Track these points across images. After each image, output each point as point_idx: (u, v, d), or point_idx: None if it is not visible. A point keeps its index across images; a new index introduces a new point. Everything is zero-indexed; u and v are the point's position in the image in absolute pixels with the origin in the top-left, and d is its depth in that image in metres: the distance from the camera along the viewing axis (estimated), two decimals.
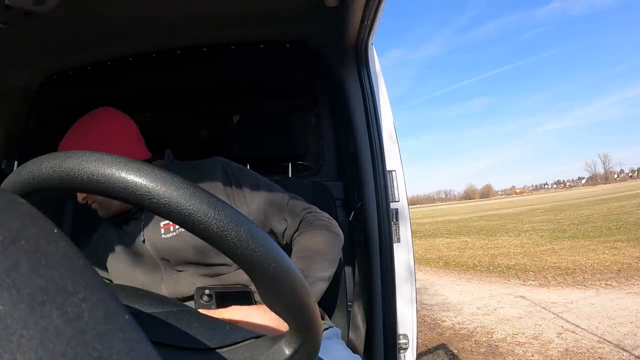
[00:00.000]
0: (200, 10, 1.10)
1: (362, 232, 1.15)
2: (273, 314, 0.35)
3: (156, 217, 0.87)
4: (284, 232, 0.93)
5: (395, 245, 1.20)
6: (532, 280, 5.06)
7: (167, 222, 0.87)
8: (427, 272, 6.50)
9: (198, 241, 0.84)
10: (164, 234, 0.88)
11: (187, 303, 0.81)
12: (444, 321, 3.80)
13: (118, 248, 0.93)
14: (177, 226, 0.86)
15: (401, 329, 1.10)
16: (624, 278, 4.62)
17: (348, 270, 1.22)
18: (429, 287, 5.25)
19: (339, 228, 0.94)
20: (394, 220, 1.20)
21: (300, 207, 0.95)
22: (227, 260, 0.88)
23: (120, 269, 0.93)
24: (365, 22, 1.08)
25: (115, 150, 0.85)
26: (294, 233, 0.93)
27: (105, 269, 0.95)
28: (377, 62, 1.31)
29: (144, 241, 0.89)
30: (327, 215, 0.96)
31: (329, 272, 0.83)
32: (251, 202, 0.91)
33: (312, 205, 0.97)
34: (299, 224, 0.93)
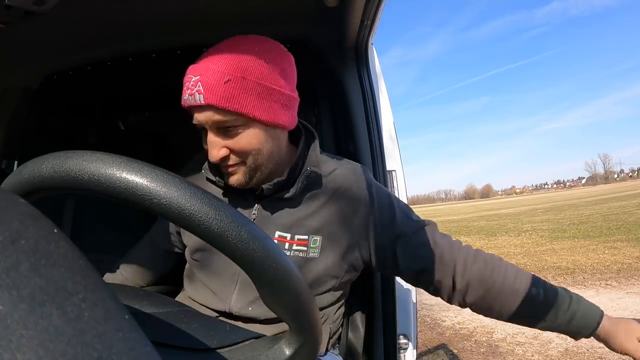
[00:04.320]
0: (200, 10, 1.10)
1: None
2: None
3: (274, 223, 0.76)
4: (435, 273, 0.76)
5: None
6: None
7: (284, 235, 0.75)
8: None
9: (305, 277, 0.74)
10: None
11: (246, 325, 0.73)
12: (444, 321, 3.80)
13: None
14: (294, 247, 0.75)
15: (401, 329, 1.09)
16: (624, 278, 4.62)
17: None
18: None
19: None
20: None
21: (457, 244, 0.79)
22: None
23: (199, 253, 0.79)
24: (365, 22, 1.08)
25: (285, 100, 0.71)
26: (454, 276, 0.76)
27: (183, 242, 0.84)
28: (377, 62, 1.31)
29: None
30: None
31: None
32: (393, 232, 0.76)
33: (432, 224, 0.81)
34: (460, 266, 0.76)
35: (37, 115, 1.41)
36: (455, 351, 3.07)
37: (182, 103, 0.69)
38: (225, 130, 0.68)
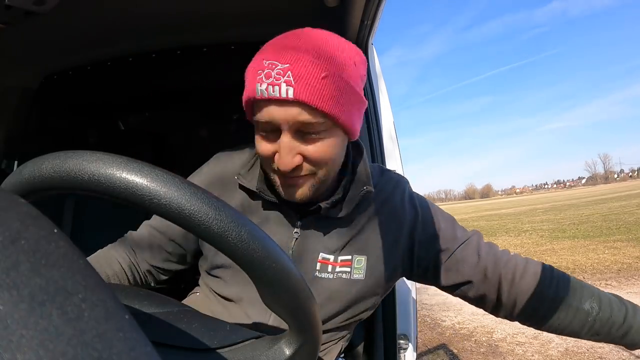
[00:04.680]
0: (200, 10, 1.10)
1: None
2: None
3: (320, 243, 0.69)
4: (480, 285, 0.71)
5: None
6: None
7: (328, 257, 0.69)
8: None
9: (348, 298, 0.69)
10: (319, 271, 0.68)
11: None
12: (444, 321, 3.80)
13: None
14: (337, 269, 0.69)
15: (401, 329, 1.09)
16: (624, 278, 4.62)
17: None
18: (429, 287, 5.24)
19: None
20: None
21: (504, 254, 0.74)
22: (347, 324, 0.74)
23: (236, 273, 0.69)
24: (365, 22, 1.08)
25: (361, 105, 0.63)
26: (499, 288, 0.71)
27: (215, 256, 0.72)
28: (377, 62, 1.31)
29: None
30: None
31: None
32: (438, 248, 0.72)
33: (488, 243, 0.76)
34: (507, 277, 0.71)
35: (37, 115, 1.41)
36: (455, 351, 3.07)
37: (251, 94, 0.57)
38: (304, 135, 0.58)
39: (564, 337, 3.10)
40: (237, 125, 1.66)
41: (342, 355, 0.86)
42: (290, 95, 0.53)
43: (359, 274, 0.69)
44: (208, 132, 1.75)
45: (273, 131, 0.59)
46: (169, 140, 1.82)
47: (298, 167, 0.59)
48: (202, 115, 1.79)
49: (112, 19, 1.09)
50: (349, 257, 0.69)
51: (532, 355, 2.87)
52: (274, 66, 0.54)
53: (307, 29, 0.61)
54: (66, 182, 0.28)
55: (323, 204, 0.66)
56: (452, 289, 0.75)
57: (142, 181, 0.27)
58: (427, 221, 0.73)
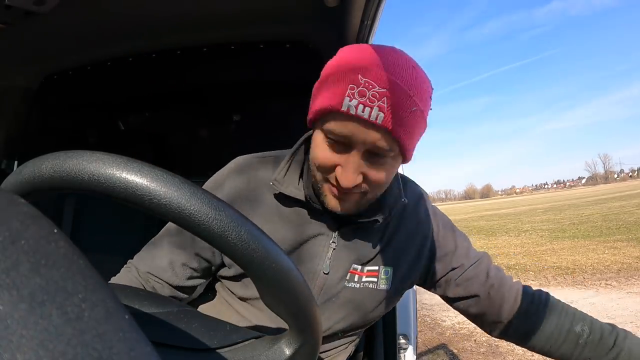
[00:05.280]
0: (200, 10, 1.10)
1: None
2: None
3: (354, 253, 0.70)
4: (484, 303, 0.75)
5: None
6: (532, 280, 5.05)
7: (357, 267, 0.70)
8: None
9: (371, 307, 0.72)
10: (348, 280, 0.70)
11: None
12: (444, 321, 3.80)
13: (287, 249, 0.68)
14: (363, 279, 0.70)
15: (401, 329, 1.09)
16: (624, 278, 4.62)
17: None
18: None
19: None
20: None
21: (507, 278, 0.77)
22: (360, 330, 0.77)
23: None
24: (365, 22, 1.08)
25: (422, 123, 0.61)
26: (501, 308, 0.75)
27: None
28: None
29: (326, 272, 0.68)
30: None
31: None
32: (452, 262, 0.75)
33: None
34: (507, 299, 0.74)
35: (37, 115, 1.41)
36: (455, 351, 3.07)
37: (336, 106, 0.56)
38: (372, 156, 0.59)
39: None
40: (237, 125, 1.66)
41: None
42: (380, 121, 0.54)
43: (385, 285, 0.71)
44: (208, 132, 1.75)
45: (344, 144, 0.58)
46: (169, 140, 1.82)
47: (357, 186, 0.60)
48: (202, 115, 1.79)
49: (112, 19, 1.09)
50: (376, 267, 0.71)
51: (532, 356, 2.86)
52: (371, 87, 0.54)
53: (400, 51, 0.60)
54: (66, 182, 0.28)
55: (364, 220, 0.67)
56: (456, 303, 0.78)
57: (142, 181, 0.27)
58: (446, 237, 0.75)
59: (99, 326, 0.16)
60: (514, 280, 0.78)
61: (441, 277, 0.76)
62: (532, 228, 11.17)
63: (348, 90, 0.55)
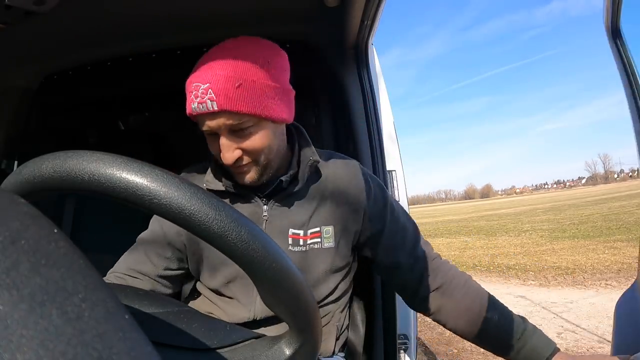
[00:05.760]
0: (200, 10, 1.10)
1: None
2: None
3: (287, 220, 0.78)
4: (407, 272, 0.82)
5: None
6: (532, 280, 5.05)
7: (298, 232, 0.78)
8: None
9: (324, 268, 0.78)
10: (292, 245, 0.77)
11: (273, 327, 0.75)
12: None
13: None
14: (308, 241, 0.78)
15: (401, 329, 1.09)
16: (624, 278, 4.62)
17: None
18: None
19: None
20: None
21: (435, 257, 0.84)
22: (330, 300, 0.81)
23: (214, 264, 0.77)
24: (365, 22, 1.08)
25: (287, 97, 0.73)
26: (421, 280, 0.81)
27: (198, 255, 0.79)
28: (377, 62, 1.31)
29: None
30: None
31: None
32: (382, 224, 0.81)
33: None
34: (429, 273, 0.81)
35: (37, 115, 1.41)
36: (455, 351, 3.07)
37: (189, 112, 0.69)
38: (237, 133, 0.69)
39: (563, 337, 3.10)
40: None
41: (343, 351, 0.87)
42: (215, 107, 0.65)
43: (329, 242, 0.79)
44: None
45: (215, 134, 0.70)
46: (169, 140, 1.82)
47: (240, 159, 0.71)
48: None
49: (112, 19, 1.09)
50: (317, 228, 0.79)
51: None
52: (198, 87, 0.66)
53: (226, 43, 0.72)
54: (66, 182, 0.28)
55: (283, 178, 0.76)
56: (381, 268, 0.85)
57: (142, 181, 0.27)
58: (377, 198, 0.82)
59: (99, 326, 0.16)
60: (442, 259, 0.84)
61: (370, 237, 0.81)
62: (532, 228, 11.16)
63: (189, 97, 0.68)
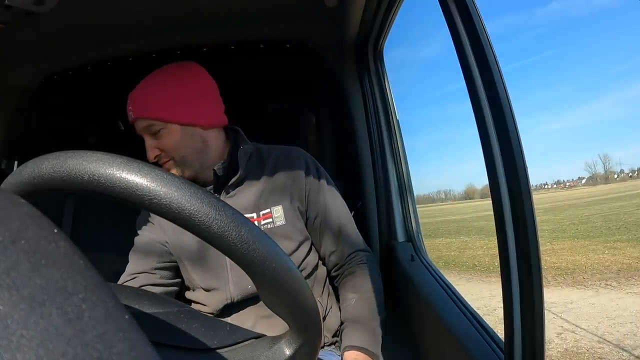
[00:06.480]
0: (200, 10, 1.10)
1: (363, 231, 1.15)
2: None
3: (239, 207, 0.85)
4: (328, 254, 0.93)
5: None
6: None
7: (251, 215, 0.86)
8: None
9: (283, 245, 0.82)
10: None
11: (252, 309, 0.83)
12: None
13: None
14: (262, 222, 0.87)
15: None
16: (624, 278, 4.62)
17: None
18: None
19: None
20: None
21: (360, 245, 0.95)
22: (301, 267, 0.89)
23: (190, 252, 0.88)
24: (366, 22, 1.08)
25: (196, 106, 0.86)
26: (339, 264, 0.93)
27: (177, 248, 0.90)
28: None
29: None
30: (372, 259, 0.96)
31: (382, 316, 0.87)
32: (319, 207, 0.91)
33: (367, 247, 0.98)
34: (350, 259, 0.93)
35: (37, 115, 1.41)
36: None
37: (130, 121, 0.87)
38: (154, 135, 0.85)
39: (564, 337, 3.10)
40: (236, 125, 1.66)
41: (336, 346, 0.87)
42: (133, 116, 0.85)
43: (280, 221, 0.87)
44: None
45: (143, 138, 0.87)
46: None
47: (159, 157, 0.85)
48: None
49: (112, 19, 1.09)
50: (268, 209, 0.88)
51: None
52: (128, 103, 0.86)
53: (155, 72, 0.88)
54: (66, 182, 0.28)
55: (216, 167, 0.86)
56: (313, 238, 0.94)
57: (142, 181, 0.27)
58: (314, 179, 0.92)
59: (99, 326, 0.16)
60: (366, 254, 0.94)
61: (309, 214, 0.91)
62: None
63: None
